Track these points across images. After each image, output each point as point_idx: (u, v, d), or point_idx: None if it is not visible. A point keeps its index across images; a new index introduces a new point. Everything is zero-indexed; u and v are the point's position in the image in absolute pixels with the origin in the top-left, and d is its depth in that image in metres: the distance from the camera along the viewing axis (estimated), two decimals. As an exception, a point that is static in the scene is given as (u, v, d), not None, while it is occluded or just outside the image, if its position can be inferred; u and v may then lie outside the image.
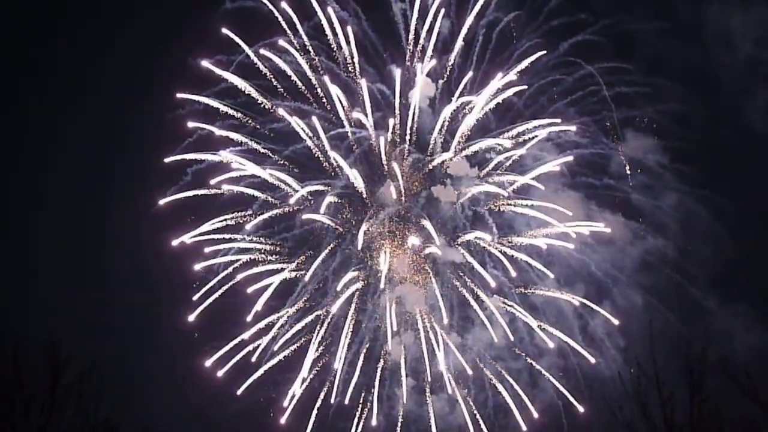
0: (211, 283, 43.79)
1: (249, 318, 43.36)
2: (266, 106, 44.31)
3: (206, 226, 43.85)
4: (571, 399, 43.20)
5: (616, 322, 42.69)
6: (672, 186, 43.11)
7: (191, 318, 43.58)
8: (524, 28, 44.34)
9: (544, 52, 43.96)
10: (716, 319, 40.56)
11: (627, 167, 43.42)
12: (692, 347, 32.67)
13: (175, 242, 43.34)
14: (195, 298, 43.63)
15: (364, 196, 44.92)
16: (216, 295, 43.65)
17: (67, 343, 31.13)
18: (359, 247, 43.84)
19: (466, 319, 44.69)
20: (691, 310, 41.23)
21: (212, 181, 43.77)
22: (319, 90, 44.41)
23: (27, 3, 47.41)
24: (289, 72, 44.13)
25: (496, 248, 43.71)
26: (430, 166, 45.23)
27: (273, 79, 44.29)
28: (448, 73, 44.91)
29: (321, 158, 44.66)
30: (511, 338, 43.68)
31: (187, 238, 43.55)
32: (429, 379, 44.15)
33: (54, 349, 30.81)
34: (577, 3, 43.67)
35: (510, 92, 43.81)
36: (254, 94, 44.24)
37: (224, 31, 43.82)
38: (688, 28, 42.16)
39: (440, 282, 44.64)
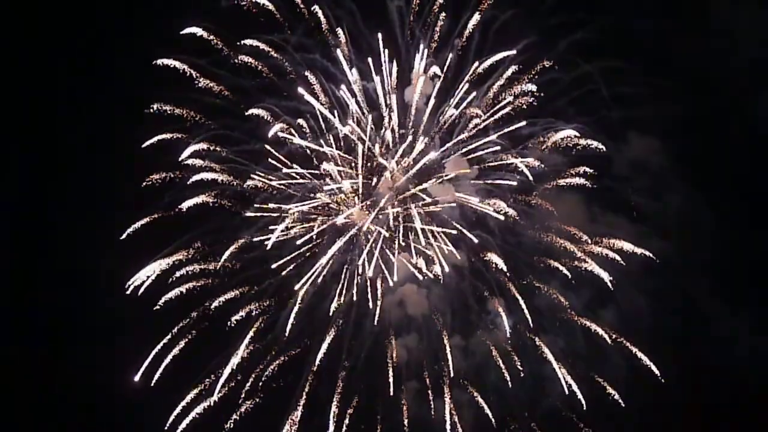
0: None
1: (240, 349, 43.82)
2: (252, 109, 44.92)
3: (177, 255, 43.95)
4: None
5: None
6: (676, 188, 43.90)
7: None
8: (522, 26, 45.11)
9: (556, 68, 44.87)
10: (720, 323, 41.33)
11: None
12: (690, 352, 33.94)
13: (128, 289, 42.68)
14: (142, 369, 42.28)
15: (360, 200, 46.00)
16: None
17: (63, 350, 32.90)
18: (360, 258, 44.71)
19: (468, 323, 45.58)
20: (695, 314, 41.95)
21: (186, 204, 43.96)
22: (311, 90, 45.27)
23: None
24: (273, 71, 45.07)
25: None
26: (427, 166, 46.03)
27: (261, 79, 45.16)
28: (445, 70, 45.57)
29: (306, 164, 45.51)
30: (509, 344, 44.72)
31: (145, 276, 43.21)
32: (431, 384, 44.93)
33: (49, 359, 32.46)
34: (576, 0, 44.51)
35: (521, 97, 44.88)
36: (239, 96, 45.04)
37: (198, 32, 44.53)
38: (692, 27, 42.72)
39: (441, 284, 45.36)
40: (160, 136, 44.20)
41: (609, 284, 43.14)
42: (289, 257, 44.91)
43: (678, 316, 42.52)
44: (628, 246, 43.43)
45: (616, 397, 42.03)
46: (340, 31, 45.25)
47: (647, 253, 43.12)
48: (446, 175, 45.71)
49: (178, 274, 43.73)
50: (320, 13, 45.06)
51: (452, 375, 44.54)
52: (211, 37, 44.68)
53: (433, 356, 44.96)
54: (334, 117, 45.11)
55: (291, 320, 43.90)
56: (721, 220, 42.43)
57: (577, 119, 44.54)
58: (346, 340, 44.62)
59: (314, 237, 45.29)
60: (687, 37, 41.92)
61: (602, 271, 43.30)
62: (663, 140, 44.09)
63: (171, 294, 43.64)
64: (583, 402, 42.96)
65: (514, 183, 44.79)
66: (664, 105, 43.21)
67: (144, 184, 43.97)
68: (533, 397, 44.76)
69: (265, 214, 44.95)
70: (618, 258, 43.47)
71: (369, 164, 45.80)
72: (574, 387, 43.12)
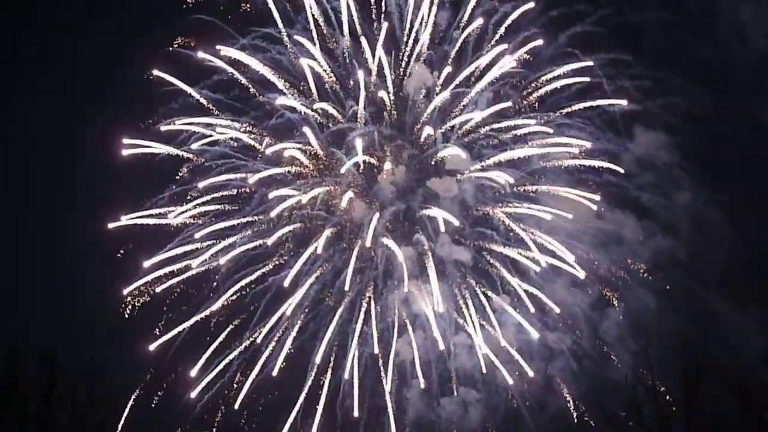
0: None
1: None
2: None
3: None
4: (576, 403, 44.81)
5: None
6: (683, 185, 43.86)
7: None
8: (522, 18, 45.45)
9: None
10: (727, 322, 41.14)
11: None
12: (688, 354, 34.34)
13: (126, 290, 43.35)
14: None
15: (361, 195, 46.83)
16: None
17: (63, 351, 34.13)
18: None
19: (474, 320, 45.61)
20: (702, 313, 41.85)
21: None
22: (309, 84, 45.97)
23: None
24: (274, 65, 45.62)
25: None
26: (429, 159, 46.82)
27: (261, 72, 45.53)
28: (446, 63, 46.25)
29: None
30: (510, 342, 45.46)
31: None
32: (437, 382, 45.73)
33: (49, 357, 33.72)
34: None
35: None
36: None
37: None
38: (697, 20, 42.66)
39: (447, 282, 45.93)
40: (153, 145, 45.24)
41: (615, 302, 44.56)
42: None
43: (687, 315, 42.45)
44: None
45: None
46: (337, 24, 46.10)
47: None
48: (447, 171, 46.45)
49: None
50: (313, 6, 45.75)
51: (459, 374, 45.48)
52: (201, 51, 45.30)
53: (440, 354, 45.53)
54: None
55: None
56: (730, 216, 42.59)
57: (579, 113, 45.38)
58: (351, 338, 45.28)
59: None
60: (693, 30, 42.01)
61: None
62: (669, 135, 44.17)
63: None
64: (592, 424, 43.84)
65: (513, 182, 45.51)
66: (670, 99, 43.62)
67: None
68: (542, 397, 45.35)
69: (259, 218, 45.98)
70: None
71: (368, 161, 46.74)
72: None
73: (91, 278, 44.16)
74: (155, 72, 44.84)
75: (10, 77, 47.34)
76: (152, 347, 43.78)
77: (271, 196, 44.89)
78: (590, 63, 44.73)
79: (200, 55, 45.07)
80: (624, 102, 44.84)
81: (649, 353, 33.21)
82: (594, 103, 44.96)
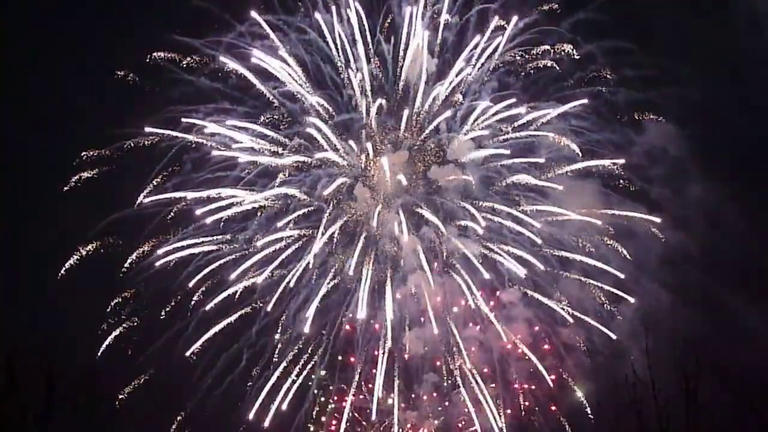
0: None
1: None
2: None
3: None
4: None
5: None
6: (695, 178, 43.92)
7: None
8: (522, 5, 46.13)
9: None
10: (741, 319, 41.73)
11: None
12: (688, 354, 34.94)
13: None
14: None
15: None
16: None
17: (63, 351, 35.68)
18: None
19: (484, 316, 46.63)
20: (716, 310, 42.32)
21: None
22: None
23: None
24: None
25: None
26: (429, 147, 48.02)
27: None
28: (446, 50, 47.17)
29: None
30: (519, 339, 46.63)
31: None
32: (446, 378, 47.35)
33: (49, 358, 35.29)
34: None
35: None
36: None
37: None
38: (709, 9, 43.10)
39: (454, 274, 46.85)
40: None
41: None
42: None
43: (700, 312, 42.66)
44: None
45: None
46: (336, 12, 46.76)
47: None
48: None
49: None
50: None
51: (470, 368, 46.58)
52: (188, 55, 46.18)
53: (450, 349, 46.94)
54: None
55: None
56: (743, 212, 42.73)
57: (583, 104, 45.83)
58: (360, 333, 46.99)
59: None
60: (704, 18, 42.11)
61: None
62: (682, 128, 44.43)
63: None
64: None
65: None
66: (680, 89, 43.54)
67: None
68: (555, 392, 46.73)
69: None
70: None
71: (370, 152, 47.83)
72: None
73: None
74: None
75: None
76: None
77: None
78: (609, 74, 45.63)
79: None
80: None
81: (648, 351, 33.71)
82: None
